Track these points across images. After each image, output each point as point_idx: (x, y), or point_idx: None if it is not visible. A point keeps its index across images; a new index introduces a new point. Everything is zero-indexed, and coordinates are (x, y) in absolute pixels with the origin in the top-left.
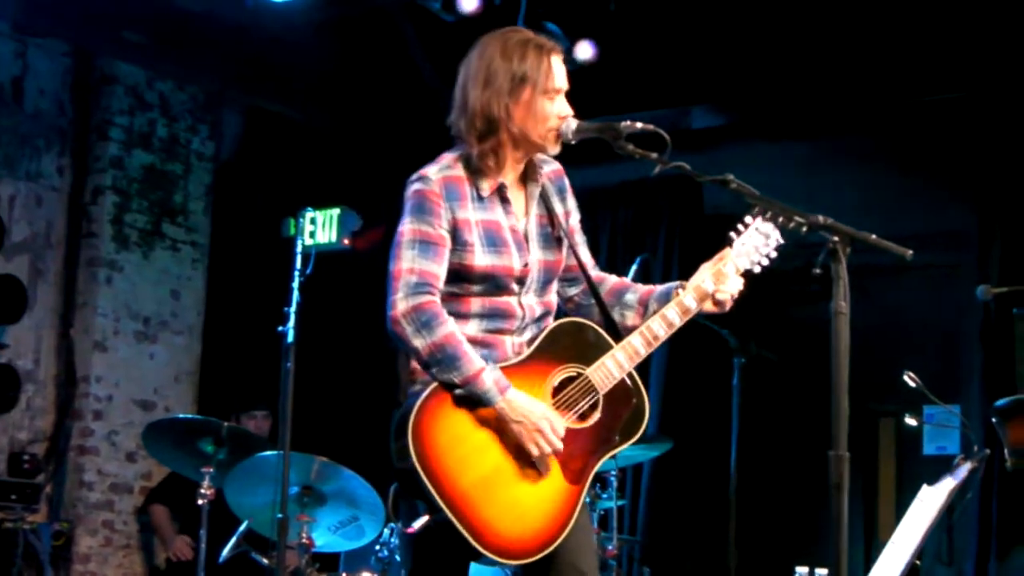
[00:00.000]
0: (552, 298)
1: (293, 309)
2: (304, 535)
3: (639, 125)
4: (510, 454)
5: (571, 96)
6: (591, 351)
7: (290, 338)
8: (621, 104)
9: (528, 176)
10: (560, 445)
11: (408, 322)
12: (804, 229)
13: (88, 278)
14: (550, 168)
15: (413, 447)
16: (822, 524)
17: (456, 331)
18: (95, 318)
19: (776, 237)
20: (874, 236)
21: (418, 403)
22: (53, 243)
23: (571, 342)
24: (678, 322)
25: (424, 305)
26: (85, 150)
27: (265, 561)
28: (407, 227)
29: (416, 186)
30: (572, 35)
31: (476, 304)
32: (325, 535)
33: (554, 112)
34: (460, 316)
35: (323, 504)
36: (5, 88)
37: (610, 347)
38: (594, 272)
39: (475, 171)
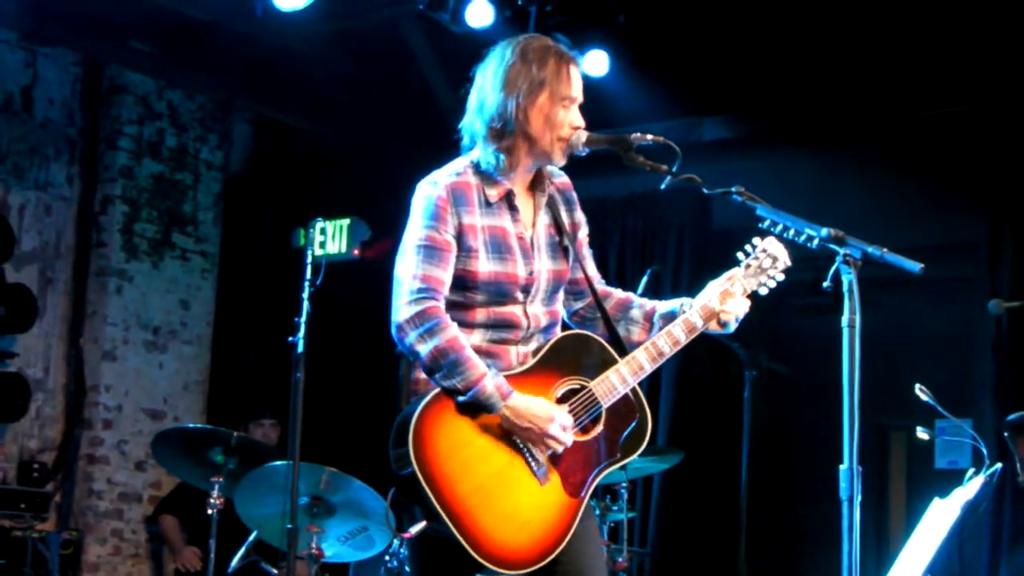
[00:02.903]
0: (559, 308)
1: (303, 319)
2: (313, 545)
3: (649, 137)
4: (510, 463)
5: (582, 108)
6: (595, 364)
7: (300, 348)
8: (631, 116)
9: (536, 185)
10: (570, 440)
11: (412, 327)
12: (815, 242)
13: (98, 287)
14: (559, 179)
15: (413, 453)
16: (833, 537)
17: (459, 336)
18: (104, 327)
19: (784, 259)
20: (885, 249)
21: (419, 409)
22: (63, 252)
23: (575, 354)
24: (684, 340)
25: (428, 311)
26: (94, 159)
27: (274, 571)
28: (414, 232)
29: (425, 191)
30: (582, 47)
31: (481, 314)
32: (334, 545)
33: (567, 121)
34: (465, 326)
35: (332, 514)
36: (14, 97)
37: (615, 361)
38: (600, 286)
39: (484, 177)
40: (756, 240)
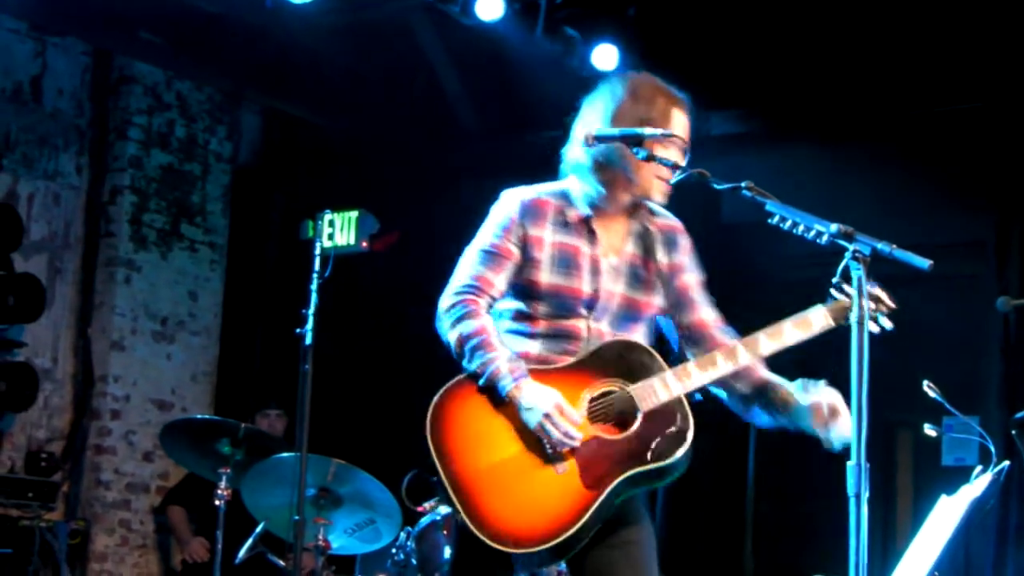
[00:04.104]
0: (636, 338)
1: (311, 311)
2: (320, 537)
3: (659, 131)
4: (523, 446)
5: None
6: (640, 370)
7: (308, 340)
8: None
9: (631, 216)
10: (568, 429)
11: (446, 316)
12: (824, 238)
13: (106, 278)
14: (663, 219)
15: (429, 428)
16: (840, 533)
17: (488, 325)
18: (113, 318)
19: (887, 300)
20: (894, 246)
21: (442, 390)
22: (71, 242)
23: (619, 358)
24: (745, 363)
25: (463, 301)
26: (104, 150)
27: (281, 563)
28: (480, 236)
29: (501, 200)
30: (591, 40)
31: (543, 325)
32: (341, 537)
33: (666, 160)
34: (526, 335)
35: (339, 506)
36: (24, 87)
37: (662, 370)
38: (722, 337)
39: (567, 201)
40: (844, 285)
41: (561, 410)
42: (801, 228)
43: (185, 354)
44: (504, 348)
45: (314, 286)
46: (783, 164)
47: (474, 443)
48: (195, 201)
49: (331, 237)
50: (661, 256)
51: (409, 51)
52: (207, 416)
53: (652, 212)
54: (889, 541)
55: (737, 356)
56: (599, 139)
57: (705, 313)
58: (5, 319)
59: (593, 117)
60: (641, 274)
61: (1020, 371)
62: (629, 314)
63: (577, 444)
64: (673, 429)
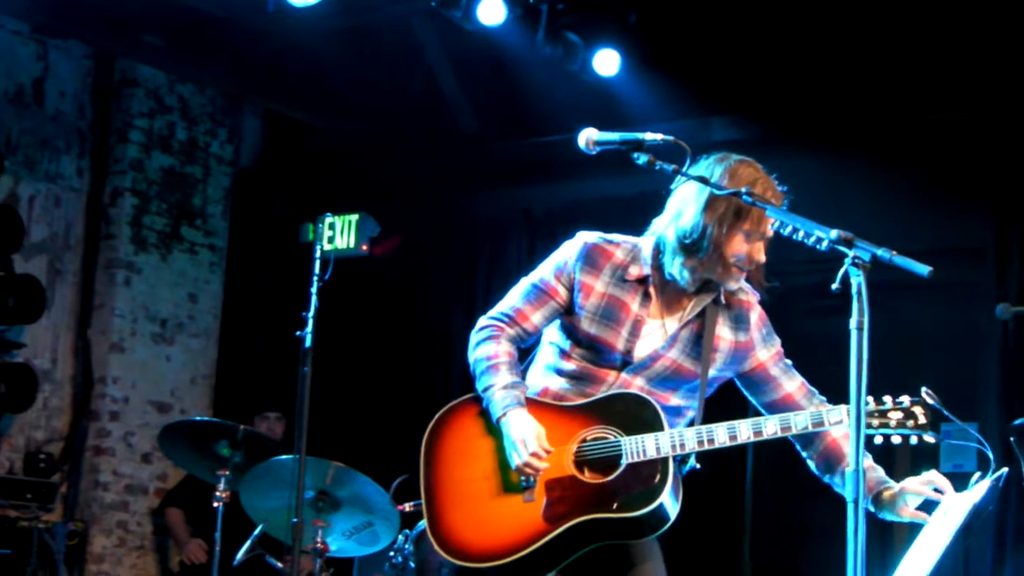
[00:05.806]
0: (677, 399)
1: (311, 314)
2: (318, 540)
3: (660, 136)
4: (500, 470)
5: (592, 108)
6: (640, 425)
7: (308, 343)
8: (641, 115)
9: (703, 289)
10: (531, 460)
11: (474, 337)
12: (824, 244)
13: (106, 279)
14: (740, 297)
15: (427, 435)
16: (837, 535)
17: (501, 351)
18: (112, 319)
19: (920, 417)
20: (894, 252)
21: (453, 402)
22: (72, 244)
23: (624, 410)
24: (744, 441)
25: (492, 326)
26: (105, 152)
27: (279, 565)
28: (538, 270)
29: (571, 240)
30: (593, 46)
31: (574, 365)
32: (339, 540)
33: (751, 255)
34: (555, 371)
35: (338, 509)
36: (26, 90)
37: (661, 429)
38: (806, 403)
39: (635, 256)
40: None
41: (525, 443)
42: (801, 234)
43: (184, 356)
44: (509, 376)
45: (314, 289)
46: (783, 170)
47: (459, 458)
48: (196, 204)
49: (331, 240)
50: (727, 333)
51: (410, 55)
52: (206, 418)
53: (735, 290)
54: (887, 547)
55: (738, 434)
56: (599, 144)
57: (788, 386)
58: (5, 320)
59: (689, 197)
60: (698, 344)
61: (1018, 378)
62: (672, 378)
63: (536, 474)
64: (647, 486)
